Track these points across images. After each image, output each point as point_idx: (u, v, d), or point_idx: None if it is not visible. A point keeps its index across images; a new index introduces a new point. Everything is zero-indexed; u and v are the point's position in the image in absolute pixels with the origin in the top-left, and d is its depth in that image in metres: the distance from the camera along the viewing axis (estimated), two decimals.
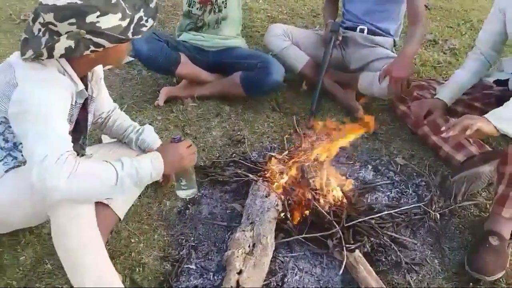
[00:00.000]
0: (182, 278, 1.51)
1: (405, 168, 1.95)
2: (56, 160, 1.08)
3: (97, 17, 1.15)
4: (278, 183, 1.70)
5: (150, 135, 1.64)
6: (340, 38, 2.27)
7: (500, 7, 1.80)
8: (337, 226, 1.52)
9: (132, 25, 1.23)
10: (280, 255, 1.57)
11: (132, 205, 1.75)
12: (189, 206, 1.78)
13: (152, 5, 1.29)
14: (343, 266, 1.45)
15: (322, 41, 2.33)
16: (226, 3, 2.26)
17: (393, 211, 1.63)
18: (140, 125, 1.70)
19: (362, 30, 2.30)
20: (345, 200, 1.64)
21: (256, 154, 2.03)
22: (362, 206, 1.65)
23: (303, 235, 1.57)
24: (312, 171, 1.72)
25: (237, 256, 1.44)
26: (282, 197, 1.64)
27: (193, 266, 1.55)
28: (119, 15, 1.19)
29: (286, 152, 1.91)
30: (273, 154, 1.92)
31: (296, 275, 1.52)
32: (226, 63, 2.33)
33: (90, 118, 1.50)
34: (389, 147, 2.06)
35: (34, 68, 1.21)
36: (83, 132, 1.45)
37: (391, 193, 1.83)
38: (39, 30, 1.19)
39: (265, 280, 1.47)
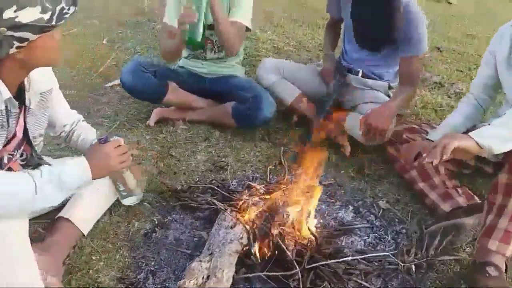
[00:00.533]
0: None
1: (388, 212, 1.86)
2: None
3: (15, 11, 1.11)
4: (248, 215, 1.65)
5: None
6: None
7: (491, 50, 1.78)
8: (297, 267, 1.44)
9: (55, 16, 1.18)
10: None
11: (102, 221, 1.73)
12: (156, 229, 1.74)
13: None
14: None
15: (323, 72, 2.31)
16: None
17: (360, 257, 1.54)
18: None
19: (357, 73, 2.26)
20: (312, 240, 1.56)
21: (236, 183, 1.98)
22: (328, 248, 1.56)
23: (264, 273, 1.49)
24: (285, 206, 1.65)
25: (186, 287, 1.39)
26: (249, 230, 1.58)
27: None
28: (39, 8, 1.15)
29: (264, 184, 1.85)
30: (252, 184, 1.87)
31: None
32: (221, 91, 2.34)
33: (35, 131, 1.47)
34: (374, 189, 1.98)
35: None
36: (30, 144, 1.44)
37: (368, 238, 1.74)
38: None
39: None
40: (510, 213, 1.45)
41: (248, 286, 1.51)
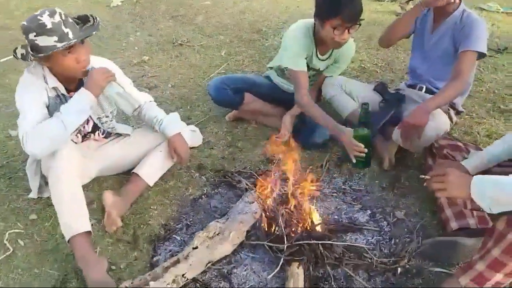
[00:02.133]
0: (167, 243, 1.95)
1: (401, 222, 1.97)
2: (22, 137, 1.75)
3: (34, 36, 1.71)
4: (267, 197, 1.98)
5: (167, 126, 2.16)
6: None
7: None
8: (285, 242, 1.73)
9: (63, 44, 1.72)
10: (243, 251, 1.86)
11: (168, 184, 2.29)
12: (203, 197, 2.22)
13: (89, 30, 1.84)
14: (277, 269, 1.68)
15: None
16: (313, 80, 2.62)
17: (338, 243, 1.76)
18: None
19: (421, 89, 2.39)
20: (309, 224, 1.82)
21: (276, 174, 2.31)
22: (319, 232, 1.79)
23: (256, 241, 1.84)
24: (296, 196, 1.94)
25: (200, 236, 1.81)
26: (261, 207, 1.92)
27: (178, 238, 1.98)
28: (55, 37, 1.71)
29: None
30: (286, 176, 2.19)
31: (245, 271, 1.78)
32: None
33: (98, 114, 2.10)
34: (399, 200, 2.09)
35: (22, 76, 1.89)
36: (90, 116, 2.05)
37: (371, 239, 1.90)
38: None
39: (219, 264, 1.80)
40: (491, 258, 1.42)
41: (252, 251, 1.86)
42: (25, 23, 1.74)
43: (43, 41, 1.72)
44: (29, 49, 1.76)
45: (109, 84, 1.91)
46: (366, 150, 2.11)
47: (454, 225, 1.79)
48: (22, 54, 1.81)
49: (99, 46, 4.14)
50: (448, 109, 2.33)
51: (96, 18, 1.89)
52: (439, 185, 1.43)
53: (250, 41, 4.04)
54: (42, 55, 1.74)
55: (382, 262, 1.76)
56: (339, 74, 2.66)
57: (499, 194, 1.32)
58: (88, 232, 1.83)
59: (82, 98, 1.84)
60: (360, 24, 2.16)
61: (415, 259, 1.77)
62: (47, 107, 1.88)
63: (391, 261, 1.76)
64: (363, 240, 1.90)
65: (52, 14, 1.73)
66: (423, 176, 1.52)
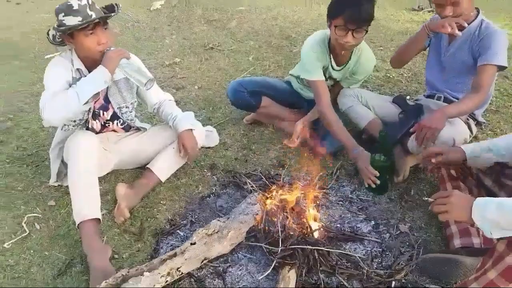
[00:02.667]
0: (170, 237, 2.02)
1: (403, 236, 1.93)
2: (41, 107, 1.88)
3: (63, 16, 1.87)
4: (270, 200, 2.01)
5: (179, 122, 2.24)
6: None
7: None
8: (280, 245, 1.75)
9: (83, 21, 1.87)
10: (241, 251, 1.89)
11: (180, 182, 2.37)
12: (211, 195, 2.27)
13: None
14: (269, 271, 1.71)
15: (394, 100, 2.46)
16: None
17: (330, 249, 1.75)
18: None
19: (439, 98, 2.34)
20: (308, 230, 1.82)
21: (286, 179, 2.34)
22: (313, 237, 1.79)
23: (251, 242, 1.88)
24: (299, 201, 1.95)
25: (199, 233, 1.86)
26: (263, 210, 1.94)
27: (181, 233, 2.04)
28: (79, 18, 1.86)
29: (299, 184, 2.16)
30: (294, 181, 2.21)
31: (239, 270, 1.81)
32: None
33: (118, 102, 2.20)
34: (405, 214, 2.05)
35: (54, 58, 2.07)
36: (111, 103, 2.18)
37: (371, 249, 1.87)
38: None
39: (216, 262, 1.84)
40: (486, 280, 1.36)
41: (250, 251, 1.89)
42: (58, 6, 1.92)
43: (69, 20, 1.88)
44: (57, 29, 1.92)
45: (126, 63, 2.00)
46: (379, 180, 2.13)
47: (457, 242, 1.74)
48: (53, 35, 1.99)
49: (136, 47, 4.32)
50: (468, 119, 2.27)
51: (119, 6, 2.04)
52: (442, 207, 1.40)
53: (278, 47, 4.08)
54: (67, 31, 1.91)
55: (378, 274, 1.74)
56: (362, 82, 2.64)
57: (500, 217, 1.27)
58: (97, 220, 1.93)
59: (97, 72, 1.95)
60: (367, 31, 2.16)
61: (413, 274, 1.73)
62: (70, 85, 2.01)
63: (387, 274, 1.73)
64: (363, 250, 1.87)
65: None
66: (426, 199, 1.50)
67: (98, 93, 1.98)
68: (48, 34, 2.02)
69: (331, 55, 2.43)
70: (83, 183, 1.95)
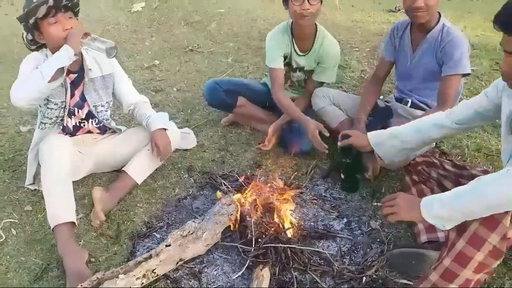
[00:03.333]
0: (146, 239, 2.04)
1: (375, 232, 1.98)
2: (10, 92, 1.91)
3: (26, 10, 1.91)
4: (244, 201, 2.05)
5: (153, 122, 2.26)
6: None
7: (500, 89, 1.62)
8: (253, 244, 1.79)
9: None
10: (216, 252, 1.92)
11: (157, 184, 2.39)
12: (188, 197, 2.30)
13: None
14: (243, 270, 1.76)
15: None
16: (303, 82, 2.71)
17: (302, 247, 1.80)
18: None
19: (406, 103, 2.39)
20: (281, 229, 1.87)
21: (261, 179, 2.37)
22: (285, 236, 1.83)
23: (227, 243, 1.91)
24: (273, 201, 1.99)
25: (174, 234, 1.89)
26: (239, 210, 1.98)
27: (158, 235, 2.06)
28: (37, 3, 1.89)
29: (276, 184, 2.20)
30: (271, 181, 2.25)
31: (215, 271, 1.85)
32: None
33: (94, 100, 2.22)
34: (377, 211, 2.10)
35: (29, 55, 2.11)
36: (86, 102, 2.20)
37: (343, 247, 1.92)
38: None
39: (192, 263, 1.87)
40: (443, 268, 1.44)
41: (225, 252, 1.92)
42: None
43: (31, 10, 1.92)
44: (22, 20, 1.96)
45: (93, 40, 2.00)
46: (349, 178, 2.22)
47: (424, 238, 1.80)
48: (26, 37, 2.04)
49: None
50: None
51: None
52: (389, 209, 1.52)
53: (257, 49, 4.13)
54: (29, 20, 1.94)
55: (349, 270, 1.79)
56: (335, 83, 2.70)
57: (445, 212, 1.38)
58: (72, 223, 1.95)
59: (61, 50, 1.94)
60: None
61: (383, 269, 1.78)
62: None
63: (358, 270, 1.78)
64: (335, 247, 1.92)
65: None
66: (376, 204, 1.58)
67: (63, 70, 1.97)
68: (23, 38, 2.03)
69: (294, 41, 2.54)
70: (57, 187, 1.97)
